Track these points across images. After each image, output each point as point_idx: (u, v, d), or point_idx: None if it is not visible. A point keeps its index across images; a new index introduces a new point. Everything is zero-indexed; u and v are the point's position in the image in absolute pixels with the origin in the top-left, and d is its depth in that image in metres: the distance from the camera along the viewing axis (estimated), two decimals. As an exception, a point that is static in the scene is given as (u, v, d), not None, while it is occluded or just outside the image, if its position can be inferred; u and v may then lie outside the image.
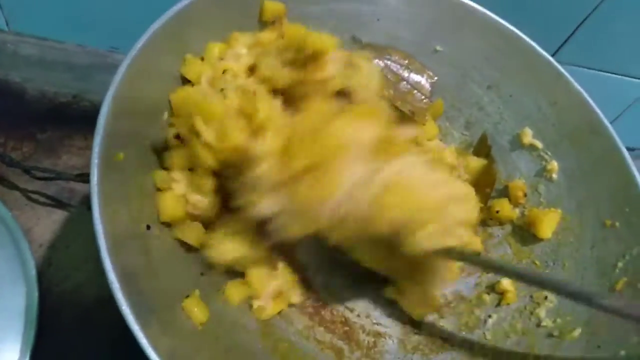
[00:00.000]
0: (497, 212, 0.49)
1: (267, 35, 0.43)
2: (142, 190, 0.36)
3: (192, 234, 0.39)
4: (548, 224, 0.47)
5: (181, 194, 0.38)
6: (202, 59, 0.42)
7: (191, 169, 0.39)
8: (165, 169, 0.39)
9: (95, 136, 0.32)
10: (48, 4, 0.63)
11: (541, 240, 0.48)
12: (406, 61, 0.49)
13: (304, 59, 0.40)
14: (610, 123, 0.78)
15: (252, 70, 0.42)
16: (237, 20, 0.44)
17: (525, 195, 0.49)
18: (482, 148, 0.51)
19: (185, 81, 0.41)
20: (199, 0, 0.39)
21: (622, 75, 0.73)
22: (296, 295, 0.44)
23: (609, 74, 0.73)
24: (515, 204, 0.49)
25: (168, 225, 0.39)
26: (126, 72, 0.33)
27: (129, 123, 0.35)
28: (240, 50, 0.43)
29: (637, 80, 0.74)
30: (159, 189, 0.38)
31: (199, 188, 0.38)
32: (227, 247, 0.39)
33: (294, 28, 0.43)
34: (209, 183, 0.38)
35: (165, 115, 0.40)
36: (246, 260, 0.40)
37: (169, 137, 0.39)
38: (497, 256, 0.50)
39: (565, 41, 0.67)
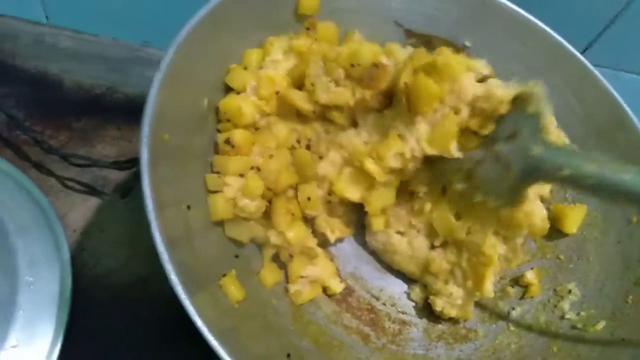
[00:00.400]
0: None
1: (302, 42, 0.45)
2: (185, 172, 0.38)
3: (241, 231, 0.42)
4: (574, 219, 0.48)
5: (231, 197, 0.41)
6: (245, 67, 0.44)
7: (241, 175, 0.42)
8: (216, 172, 0.42)
9: (145, 111, 0.33)
10: (85, -2, 0.66)
11: (566, 235, 0.48)
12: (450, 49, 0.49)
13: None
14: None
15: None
16: (271, 17, 0.45)
17: (551, 191, 0.50)
18: None
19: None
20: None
21: (648, 76, 0.73)
22: (336, 284, 0.46)
23: (637, 76, 0.72)
24: (542, 200, 0.50)
25: (207, 209, 0.41)
26: (172, 59, 0.34)
27: (172, 112, 0.36)
28: (277, 55, 0.45)
29: (664, 81, 0.73)
30: (210, 191, 0.41)
31: (249, 192, 0.41)
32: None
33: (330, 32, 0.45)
34: (259, 188, 0.41)
35: (208, 114, 0.42)
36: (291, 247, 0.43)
37: (220, 142, 0.42)
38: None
39: (594, 41, 0.67)
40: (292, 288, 0.43)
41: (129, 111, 0.64)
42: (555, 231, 0.49)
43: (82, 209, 0.57)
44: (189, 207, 0.37)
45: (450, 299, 0.44)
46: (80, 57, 0.68)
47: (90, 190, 0.58)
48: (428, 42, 0.49)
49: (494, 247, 0.41)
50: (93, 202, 0.58)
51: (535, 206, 0.42)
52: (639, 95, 0.74)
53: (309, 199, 0.43)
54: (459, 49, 0.49)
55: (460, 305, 0.44)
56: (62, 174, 0.58)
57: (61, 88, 0.65)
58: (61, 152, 0.56)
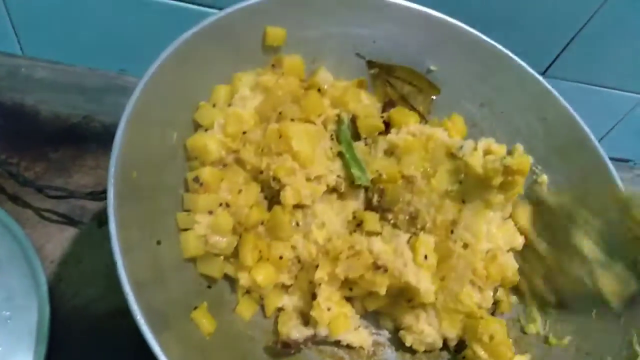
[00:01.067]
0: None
1: (269, 77, 0.46)
2: (155, 209, 0.39)
3: (213, 268, 0.43)
4: None
5: (202, 234, 0.42)
6: (214, 104, 0.45)
7: (210, 212, 0.42)
8: (186, 209, 0.43)
9: (112, 150, 0.34)
10: (59, 29, 0.67)
11: None
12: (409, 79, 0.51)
13: None
14: (603, 136, 0.82)
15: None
16: (239, 50, 0.46)
17: None
18: None
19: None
20: (201, 32, 0.41)
21: (613, 89, 0.75)
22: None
23: (601, 88, 0.75)
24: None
25: (178, 243, 0.42)
26: (139, 97, 0.35)
27: (141, 149, 0.37)
28: (245, 92, 0.46)
29: (628, 93, 0.76)
30: (181, 229, 0.42)
31: (218, 229, 0.42)
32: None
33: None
34: (227, 224, 0.42)
35: (177, 150, 0.43)
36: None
37: (189, 180, 0.43)
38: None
39: (557, 57, 0.70)
40: (280, 325, 0.43)
41: (105, 140, 0.64)
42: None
43: (60, 240, 0.57)
44: (159, 243, 0.38)
45: (421, 336, 0.45)
46: (56, 87, 0.68)
47: (68, 220, 0.58)
48: (390, 70, 0.51)
49: (470, 296, 0.43)
50: (70, 232, 0.58)
51: (508, 259, 0.43)
52: (603, 107, 0.77)
53: (280, 257, 0.43)
54: (420, 75, 0.51)
55: (431, 342, 0.45)
56: (39, 205, 0.58)
57: (38, 119, 0.65)
58: (37, 184, 0.56)
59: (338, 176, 0.44)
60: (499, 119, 0.52)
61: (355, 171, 0.43)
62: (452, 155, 0.44)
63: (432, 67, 0.53)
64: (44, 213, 0.58)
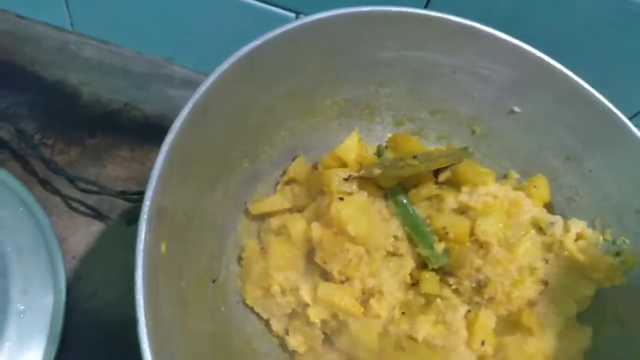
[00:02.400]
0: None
1: None
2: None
3: None
4: None
5: None
6: None
7: None
8: None
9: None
10: (112, 7, 0.63)
11: None
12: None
13: None
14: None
15: None
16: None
17: None
18: None
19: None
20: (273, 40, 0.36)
21: None
22: None
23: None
24: None
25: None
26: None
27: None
28: None
29: None
30: None
31: None
32: None
33: None
34: None
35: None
36: None
37: None
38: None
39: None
40: None
41: (144, 131, 0.61)
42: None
43: (84, 234, 0.54)
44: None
45: None
46: (101, 69, 0.65)
47: (95, 214, 0.55)
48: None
49: None
50: (97, 227, 0.55)
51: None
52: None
53: None
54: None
55: None
56: (68, 193, 0.55)
57: (78, 100, 0.62)
58: (68, 175, 0.53)
59: (395, 237, 0.39)
60: (585, 177, 0.45)
61: (425, 251, 0.38)
62: (540, 230, 0.38)
63: (516, 109, 0.46)
64: (72, 203, 0.55)
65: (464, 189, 0.41)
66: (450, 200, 0.40)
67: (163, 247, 0.31)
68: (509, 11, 0.51)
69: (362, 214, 0.38)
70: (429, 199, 0.42)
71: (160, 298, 0.29)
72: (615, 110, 0.43)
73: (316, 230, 0.38)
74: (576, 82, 0.44)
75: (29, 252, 0.50)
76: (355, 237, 0.37)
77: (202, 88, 0.31)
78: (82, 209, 0.55)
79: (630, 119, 0.60)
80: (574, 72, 0.44)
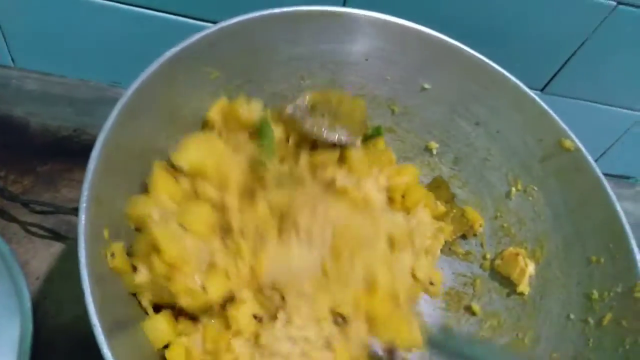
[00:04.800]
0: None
1: None
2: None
3: None
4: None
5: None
6: None
7: None
8: None
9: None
10: (51, 40, 0.66)
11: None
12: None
13: None
14: (603, 152, 0.81)
15: None
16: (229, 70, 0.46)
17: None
18: (441, 193, 0.52)
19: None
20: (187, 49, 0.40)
21: (613, 106, 0.74)
22: None
23: (601, 105, 0.74)
24: None
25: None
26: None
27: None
28: None
29: (628, 111, 0.75)
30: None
31: None
32: None
33: None
34: None
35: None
36: None
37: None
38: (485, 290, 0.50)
39: (556, 74, 0.69)
40: None
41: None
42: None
43: (45, 256, 0.56)
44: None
45: None
46: (46, 100, 0.67)
47: (54, 235, 0.57)
48: None
49: None
50: (57, 247, 0.57)
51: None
52: (603, 124, 0.76)
53: None
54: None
55: None
56: (25, 219, 0.57)
57: (27, 131, 0.64)
58: (22, 199, 0.55)
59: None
60: (495, 138, 0.51)
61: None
62: None
63: (426, 86, 0.51)
64: (31, 228, 0.57)
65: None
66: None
67: (105, 233, 0.35)
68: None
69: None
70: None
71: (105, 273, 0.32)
72: (510, 76, 0.49)
73: None
74: (474, 56, 0.49)
75: (-9, 279, 0.51)
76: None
77: (129, 92, 0.35)
78: (41, 232, 0.57)
79: (541, 90, 0.67)
80: (474, 50, 0.50)
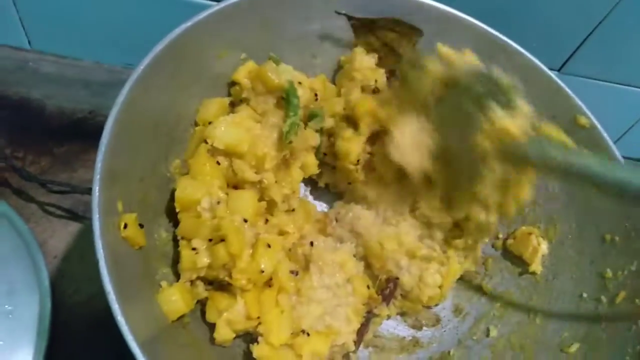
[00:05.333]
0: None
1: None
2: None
3: None
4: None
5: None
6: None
7: None
8: None
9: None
10: (67, 23, 0.66)
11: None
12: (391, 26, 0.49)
13: None
14: (622, 135, 0.79)
15: None
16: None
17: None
18: None
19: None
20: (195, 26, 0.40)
21: (632, 86, 0.72)
22: None
23: (620, 85, 0.72)
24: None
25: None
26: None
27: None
28: None
29: (647, 91, 0.73)
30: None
31: None
32: None
33: None
34: None
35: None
36: None
37: None
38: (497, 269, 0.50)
39: (574, 53, 0.67)
40: None
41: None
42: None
43: (63, 235, 0.57)
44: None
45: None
46: (62, 82, 0.68)
47: (71, 215, 0.58)
48: (371, 23, 0.48)
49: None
50: (74, 227, 0.58)
51: None
52: (623, 104, 0.75)
53: None
54: (400, 20, 0.48)
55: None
56: (43, 199, 0.58)
57: (43, 113, 0.65)
58: (40, 179, 0.56)
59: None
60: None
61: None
62: None
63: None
64: (48, 207, 0.58)
65: None
66: None
67: (120, 206, 0.35)
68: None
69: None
70: None
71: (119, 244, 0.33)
72: (524, 51, 0.48)
73: None
74: (488, 32, 0.49)
75: (11, 257, 0.52)
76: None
77: (140, 67, 0.35)
78: (59, 212, 0.58)
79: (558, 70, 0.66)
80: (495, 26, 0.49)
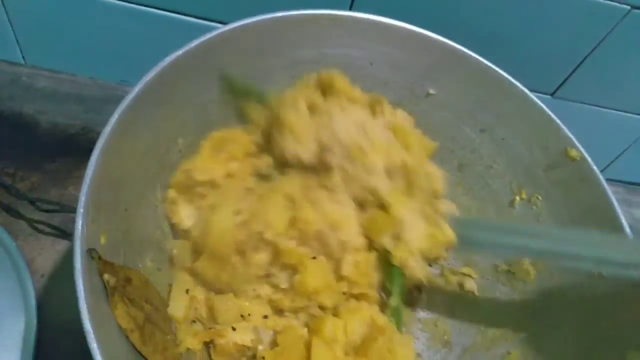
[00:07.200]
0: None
1: None
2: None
3: None
4: None
5: None
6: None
7: None
8: None
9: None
10: (61, 38, 0.66)
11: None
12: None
13: None
14: (615, 159, 0.80)
15: None
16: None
17: None
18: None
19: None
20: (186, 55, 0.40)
21: (626, 112, 0.73)
22: None
23: (613, 111, 0.73)
24: None
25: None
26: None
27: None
28: None
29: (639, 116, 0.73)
30: None
31: None
32: None
33: None
34: None
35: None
36: None
37: None
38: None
39: (567, 78, 0.68)
40: None
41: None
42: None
43: (51, 253, 0.56)
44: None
45: None
46: (56, 97, 0.68)
47: (60, 233, 0.58)
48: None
49: None
50: (62, 245, 0.57)
51: None
52: (615, 130, 0.75)
53: None
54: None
55: None
56: (32, 216, 0.58)
57: (36, 129, 0.65)
58: (29, 197, 0.56)
59: None
60: (500, 146, 0.51)
61: None
62: None
63: (431, 91, 0.51)
64: (37, 225, 0.58)
65: None
66: None
67: (102, 239, 0.35)
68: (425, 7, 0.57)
69: None
70: None
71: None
72: (516, 82, 0.48)
73: None
74: (481, 62, 0.49)
75: (-3, 276, 0.52)
76: None
77: (129, 97, 0.35)
78: (47, 229, 0.58)
79: (551, 95, 0.66)
80: (485, 54, 0.49)
